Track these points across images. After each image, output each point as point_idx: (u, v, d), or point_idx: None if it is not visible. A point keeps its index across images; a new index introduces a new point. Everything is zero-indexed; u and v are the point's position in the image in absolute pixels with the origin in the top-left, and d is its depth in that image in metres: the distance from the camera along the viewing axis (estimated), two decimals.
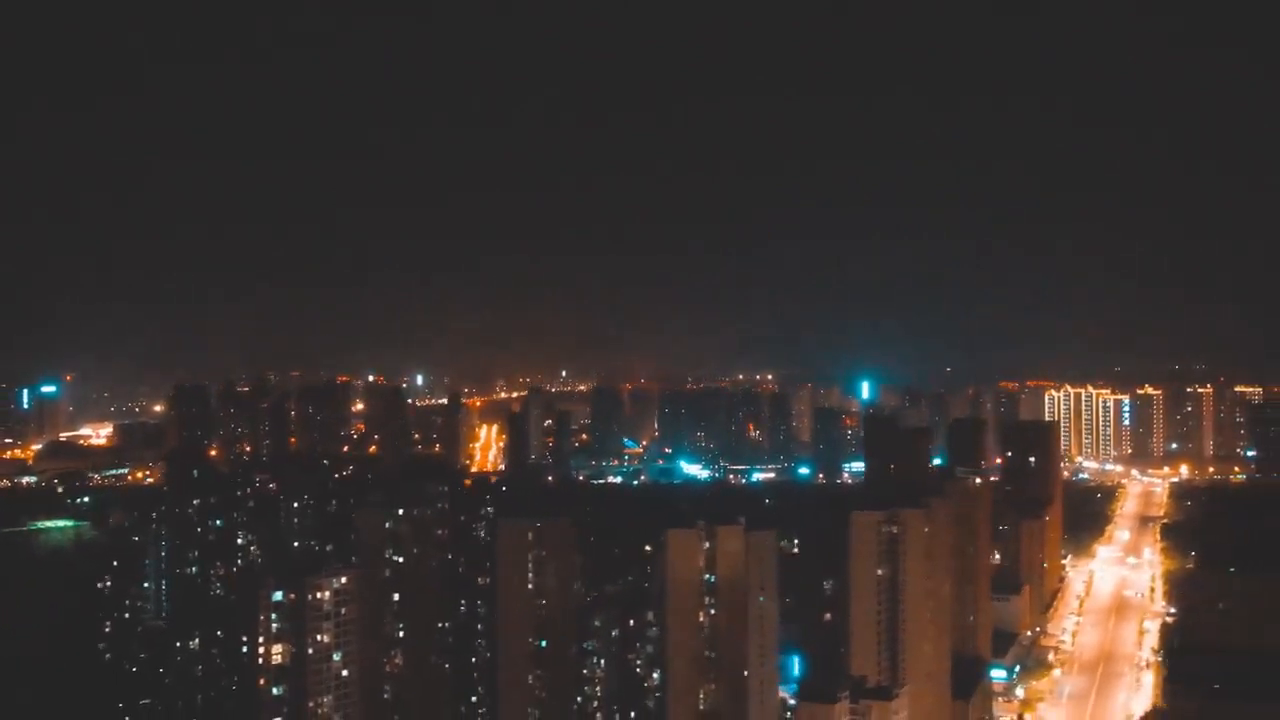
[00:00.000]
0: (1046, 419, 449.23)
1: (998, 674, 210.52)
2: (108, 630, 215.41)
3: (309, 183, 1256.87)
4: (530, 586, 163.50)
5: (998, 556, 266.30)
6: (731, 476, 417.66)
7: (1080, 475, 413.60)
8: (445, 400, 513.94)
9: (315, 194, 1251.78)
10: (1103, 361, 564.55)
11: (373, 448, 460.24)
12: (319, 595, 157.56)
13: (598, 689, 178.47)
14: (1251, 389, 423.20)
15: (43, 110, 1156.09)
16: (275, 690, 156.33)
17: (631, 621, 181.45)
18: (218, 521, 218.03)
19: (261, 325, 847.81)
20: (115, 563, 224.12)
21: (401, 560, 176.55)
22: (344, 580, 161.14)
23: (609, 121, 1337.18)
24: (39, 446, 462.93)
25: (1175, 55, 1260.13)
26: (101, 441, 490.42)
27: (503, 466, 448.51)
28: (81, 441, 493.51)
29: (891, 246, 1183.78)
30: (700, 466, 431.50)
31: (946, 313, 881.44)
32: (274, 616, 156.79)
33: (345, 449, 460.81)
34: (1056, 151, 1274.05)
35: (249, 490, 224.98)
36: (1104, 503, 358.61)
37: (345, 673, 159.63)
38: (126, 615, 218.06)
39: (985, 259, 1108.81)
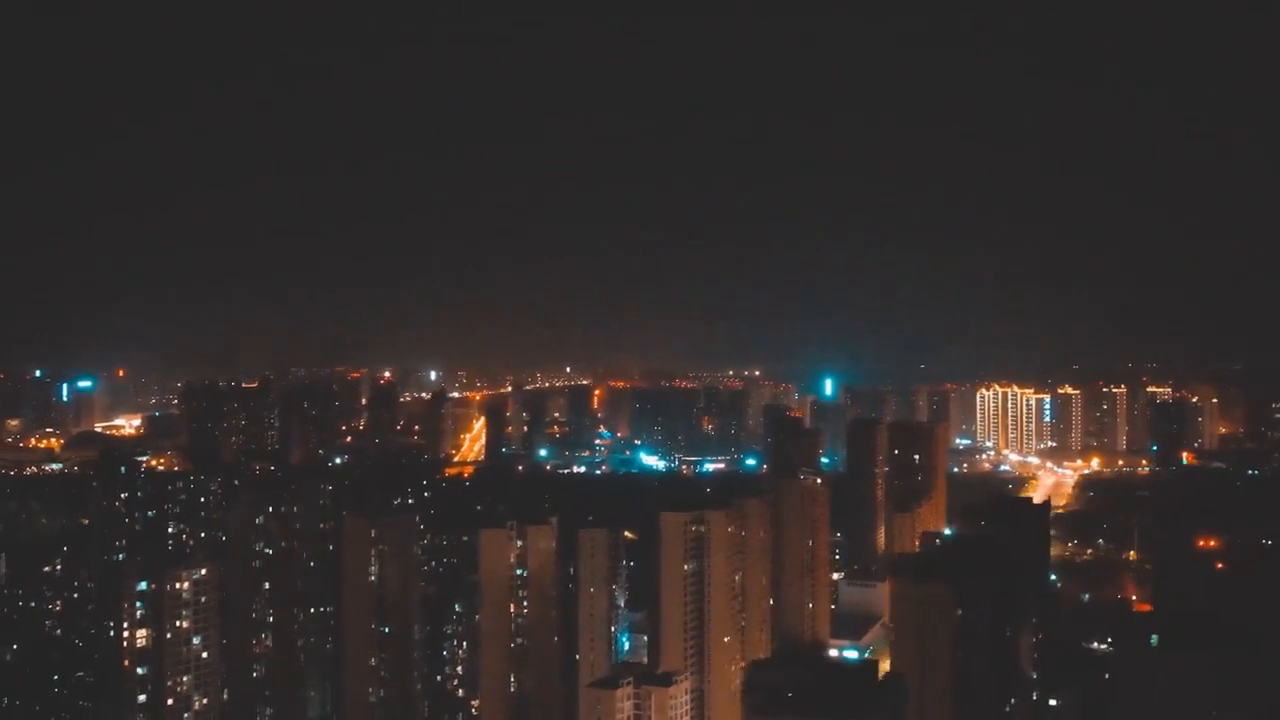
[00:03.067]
0: (976, 416, 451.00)
1: (851, 654, 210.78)
2: (57, 609, 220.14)
3: (339, 192, 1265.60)
4: (372, 578, 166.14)
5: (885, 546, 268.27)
6: (684, 467, 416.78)
7: (1002, 467, 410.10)
8: (429, 394, 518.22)
9: (346, 203, 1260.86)
10: (1060, 363, 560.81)
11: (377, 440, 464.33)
12: (178, 586, 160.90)
13: (459, 669, 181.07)
14: (1162, 389, 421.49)
15: (95, 121, 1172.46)
16: (140, 670, 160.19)
17: None
18: (150, 513, 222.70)
19: (294, 324, 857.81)
20: (65, 548, 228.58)
21: (271, 553, 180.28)
22: (203, 572, 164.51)
23: (627, 135, 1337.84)
24: (70, 437, 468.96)
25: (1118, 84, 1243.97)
26: (131, 431, 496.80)
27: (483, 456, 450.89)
28: (113, 432, 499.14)
29: (887, 253, 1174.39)
30: (657, 458, 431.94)
31: (929, 317, 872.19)
32: (139, 604, 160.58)
33: (349, 440, 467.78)
34: (1025, 174, 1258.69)
35: (178, 485, 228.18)
36: (1012, 493, 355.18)
37: (205, 655, 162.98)
38: (75, 595, 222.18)
39: (966, 270, 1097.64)
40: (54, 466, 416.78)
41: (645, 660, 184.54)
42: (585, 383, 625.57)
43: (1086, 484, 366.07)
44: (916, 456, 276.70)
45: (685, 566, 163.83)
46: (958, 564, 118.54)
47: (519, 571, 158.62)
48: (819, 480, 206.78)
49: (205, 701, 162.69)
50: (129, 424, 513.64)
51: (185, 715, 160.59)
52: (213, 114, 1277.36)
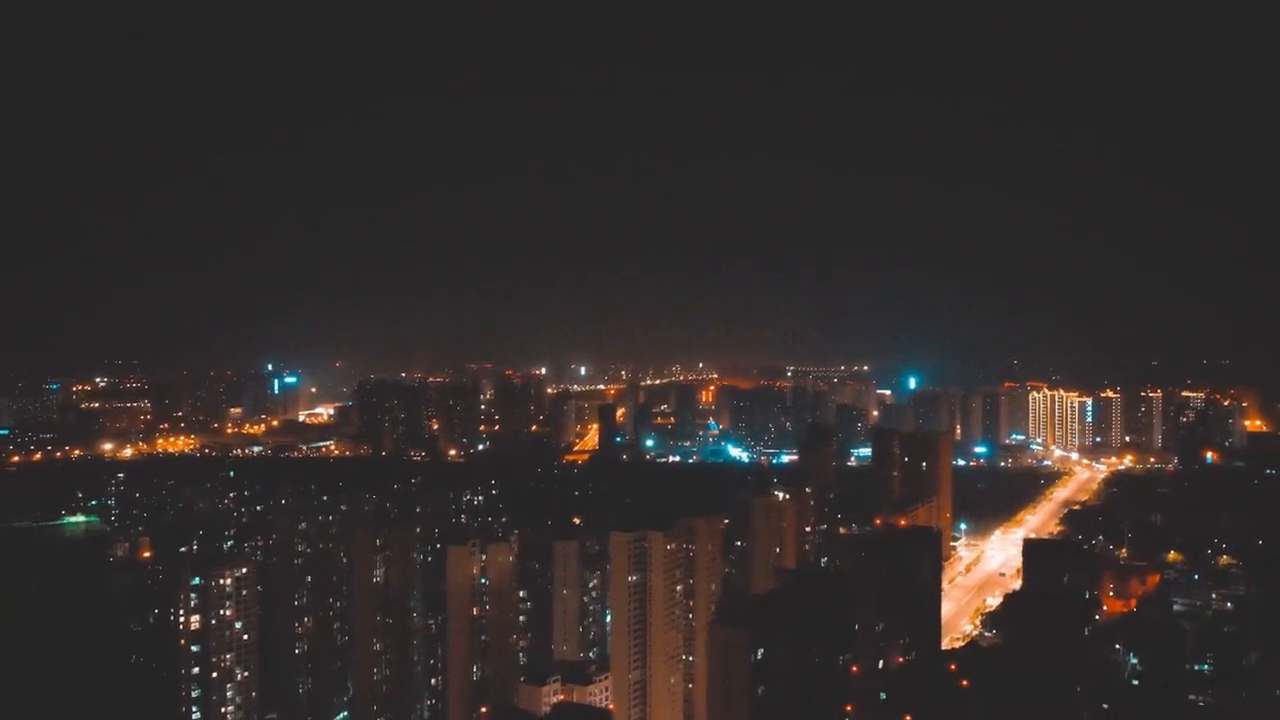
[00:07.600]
0: (1029, 416, 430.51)
1: None
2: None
3: (513, 216, 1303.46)
4: (377, 579, 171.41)
5: None
6: (762, 459, 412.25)
7: (1044, 462, 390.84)
8: (558, 389, 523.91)
9: (535, 213, 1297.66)
10: (1141, 361, 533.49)
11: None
12: (222, 581, 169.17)
13: None
14: (1195, 393, 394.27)
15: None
16: (194, 648, 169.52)
17: None
18: (257, 507, 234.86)
19: (478, 322, 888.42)
20: (201, 532, 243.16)
21: (310, 552, 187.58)
22: (244, 570, 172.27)
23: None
24: (275, 424, 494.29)
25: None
26: (326, 419, 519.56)
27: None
28: (313, 419, 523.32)
29: (975, 274, 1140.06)
30: (742, 450, 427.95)
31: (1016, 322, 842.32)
32: (193, 596, 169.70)
33: (496, 428, 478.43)
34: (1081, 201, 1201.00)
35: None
36: (1044, 488, 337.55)
37: (245, 637, 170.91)
38: None
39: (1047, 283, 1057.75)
40: (256, 449, 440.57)
41: None
42: (709, 376, 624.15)
43: (1114, 480, 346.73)
44: (924, 463, 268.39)
45: (630, 578, 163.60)
46: (779, 605, 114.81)
47: (482, 581, 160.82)
48: (786, 496, 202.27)
49: (246, 674, 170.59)
50: (326, 412, 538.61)
51: (228, 684, 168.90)
52: (431, 125, 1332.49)
